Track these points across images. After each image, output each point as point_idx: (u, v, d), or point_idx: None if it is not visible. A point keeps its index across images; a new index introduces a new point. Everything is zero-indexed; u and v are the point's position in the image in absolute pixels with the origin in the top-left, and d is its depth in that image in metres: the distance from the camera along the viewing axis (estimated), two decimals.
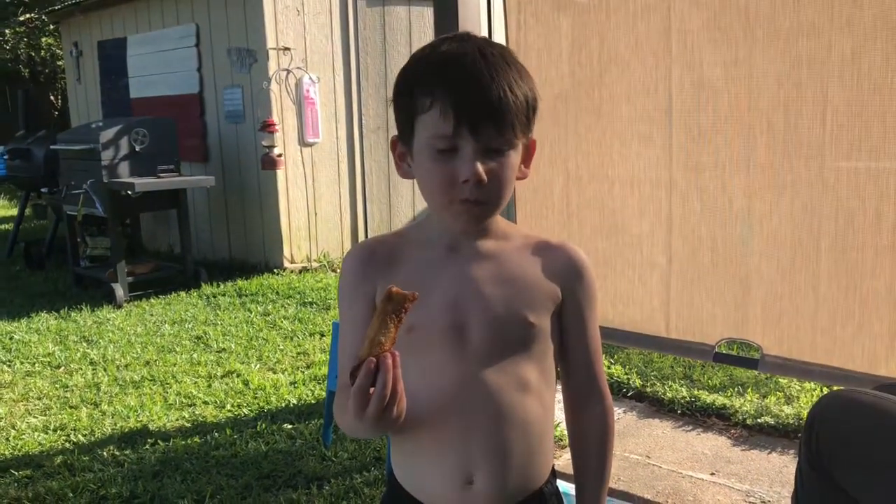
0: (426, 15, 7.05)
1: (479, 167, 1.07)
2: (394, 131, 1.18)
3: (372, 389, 0.97)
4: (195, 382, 4.14)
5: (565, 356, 1.25)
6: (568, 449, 1.31)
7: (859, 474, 1.45)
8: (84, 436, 3.50)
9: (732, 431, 3.41)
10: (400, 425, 1.03)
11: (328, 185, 6.92)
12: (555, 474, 1.27)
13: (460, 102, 1.05)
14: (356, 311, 1.19)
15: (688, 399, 3.65)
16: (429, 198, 1.14)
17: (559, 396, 1.27)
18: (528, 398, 1.16)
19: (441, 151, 1.08)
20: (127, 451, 3.30)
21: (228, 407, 3.78)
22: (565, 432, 1.30)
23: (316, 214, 6.87)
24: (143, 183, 5.88)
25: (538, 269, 1.19)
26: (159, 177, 6.07)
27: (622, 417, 3.60)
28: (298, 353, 4.60)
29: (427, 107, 1.07)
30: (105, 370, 4.37)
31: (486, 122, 1.06)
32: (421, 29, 7.18)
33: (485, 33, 2.54)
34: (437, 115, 1.06)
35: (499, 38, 2.48)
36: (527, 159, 1.18)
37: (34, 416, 3.74)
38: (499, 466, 1.15)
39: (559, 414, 1.27)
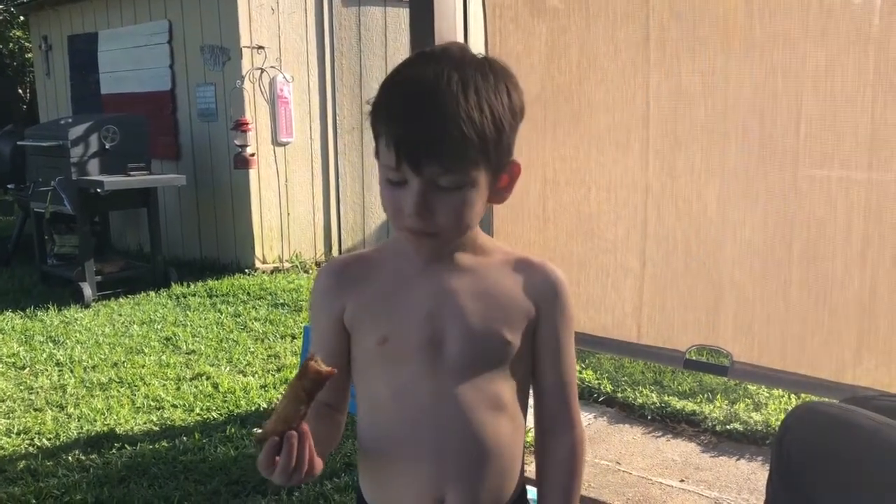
0: (402, 16, 7.03)
1: (420, 203, 1.02)
2: (368, 132, 1.16)
3: (277, 458, 0.96)
4: (164, 385, 4.07)
5: (538, 379, 1.20)
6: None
7: (829, 488, 1.46)
8: (49, 440, 3.42)
9: (702, 438, 3.43)
10: (372, 438, 1.00)
11: (301, 186, 6.87)
12: (525, 491, 1.25)
13: (401, 138, 1.01)
14: (321, 327, 1.18)
15: (658, 405, 3.67)
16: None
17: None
18: (501, 417, 1.14)
19: (391, 180, 1.05)
20: (93, 456, 3.24)
21: (197, 410, 3.72)
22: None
23: (289, 215, 6.82)
24: (113, 181, 5.79)
25: (516, 287, 1.16)
26: (129, 175, 5.98)
27: (593, 423, 3.61)
28: (269, 356, 4.55)
29: (380, 135, 1.04)
30: (71, 372, 4.29)
31: (428, 159, 1.00)
32: (396, 30, 7.16)
33: (461, 35, 2.52)
34: (384, 147, 1.03)
35: (476, 41, 2.47)
36: (508, 185, 1.11)
37: None
38: (470, 485, 1.13)
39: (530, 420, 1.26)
